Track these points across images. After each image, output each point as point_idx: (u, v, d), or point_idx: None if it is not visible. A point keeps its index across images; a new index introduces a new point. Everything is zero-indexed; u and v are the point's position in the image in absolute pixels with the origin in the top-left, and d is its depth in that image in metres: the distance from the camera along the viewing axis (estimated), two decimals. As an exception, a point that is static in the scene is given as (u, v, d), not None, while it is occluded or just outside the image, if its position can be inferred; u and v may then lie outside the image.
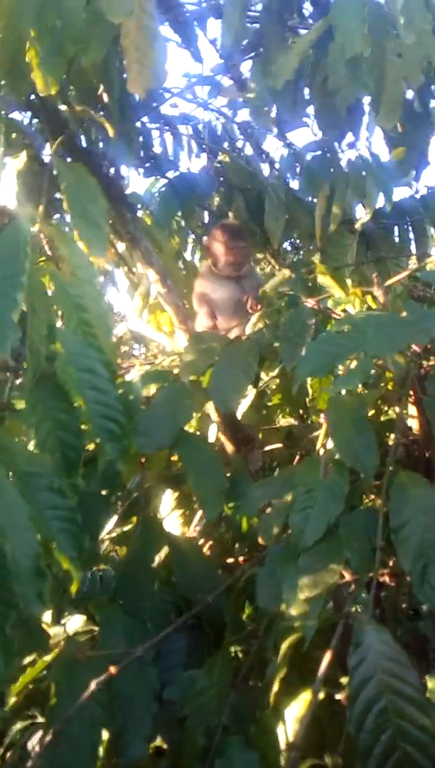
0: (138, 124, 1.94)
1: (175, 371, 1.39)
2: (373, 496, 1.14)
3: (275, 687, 0.86)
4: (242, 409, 1.44)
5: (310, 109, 1.68)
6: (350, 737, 0.77)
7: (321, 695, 0.82)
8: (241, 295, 1.69)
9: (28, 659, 1.22)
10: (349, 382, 1.01)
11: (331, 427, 1.11)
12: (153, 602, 1.10)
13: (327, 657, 0.83)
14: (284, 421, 1.85)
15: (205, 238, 2.27)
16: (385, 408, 1.50)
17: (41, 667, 1.16)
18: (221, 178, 2.15)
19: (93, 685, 0.85)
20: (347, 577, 0.97)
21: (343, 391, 1.13)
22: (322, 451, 1.14)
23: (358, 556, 0.92)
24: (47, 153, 1.72)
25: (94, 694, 0.88)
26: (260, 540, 1.10)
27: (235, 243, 1.71)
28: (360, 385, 1.21)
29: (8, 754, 1.20)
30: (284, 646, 0.90)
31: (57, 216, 1.64)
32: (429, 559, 0.90)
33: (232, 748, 0.84)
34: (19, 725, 1.21)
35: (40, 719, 1.15)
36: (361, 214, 1.98)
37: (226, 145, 2.32)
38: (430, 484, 1.07)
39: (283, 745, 0.84)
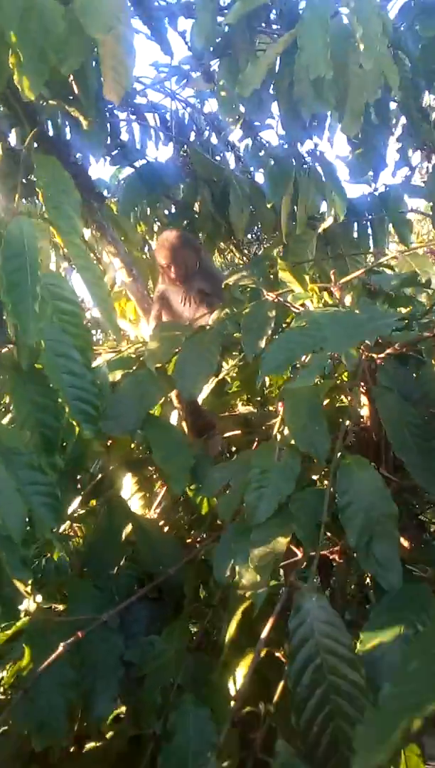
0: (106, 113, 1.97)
1: (141, 359, 1.45)
2: (323, 480, 1.23)
3: (226, 649, 0.94)
4: (203, 395, 1.50)
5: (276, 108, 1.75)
6: (286, 690, 0.86)
7: (266, 654, 0.90)
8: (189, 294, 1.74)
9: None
10: (307, 378, 1.08)
11: (287, 415, 1.18)
12: (118, 575, 1.17)
13: (271, 620, 0.91)
14: (244, 408, 1.92)
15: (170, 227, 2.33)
16: (339, 397, 1.59)
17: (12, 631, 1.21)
18: (187, 169, 2.20)
19: (61, 647, 0.91)
20: (299, 554, 1.05)
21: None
22: (278, 437, 1.21)
23: (304, 530, 1.00)
24: (13, 138, 1.76)
25: (66, 657, 0.95)
26: (219, 519, 1.17)
27: (174, 258, 1.75)
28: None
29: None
30: (236, 612, 0.98)
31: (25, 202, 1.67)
32: (373, 533, 0.98)
33: (186, 705, 0.92)
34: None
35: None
36: (324, 210, 2.06)
37: (193, 135, 2.36)
38: (376, 467, 1.16)
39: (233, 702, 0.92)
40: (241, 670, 0.94)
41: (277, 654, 0.97)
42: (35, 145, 1.60)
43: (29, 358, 0.96)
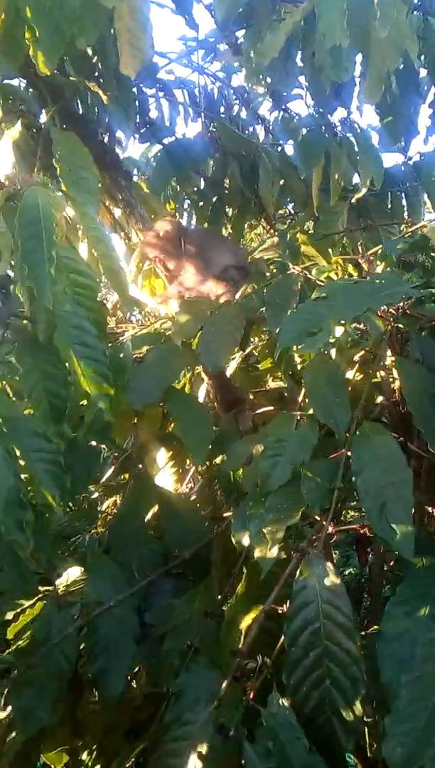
0: (134, 90, 1.97)
1: (167, 334, 1.46)
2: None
3: (233, 608, 0.96)
4: (230, 370, 1.51)
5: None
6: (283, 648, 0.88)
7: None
8: None
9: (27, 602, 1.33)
10: (312, 345, 1.08)
11: (308, 386, 1.18)
12: (141, 552, 1.19)
13: (280, 581, 0.93)
14: (274, 384, 1.92)
15: (201, 204, 2.32)
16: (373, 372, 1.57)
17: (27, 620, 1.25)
18: (216, 144, 2.18)
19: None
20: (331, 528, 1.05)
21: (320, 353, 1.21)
22: (299, 408, 1.21)
23: (313, 493, 1.01)
24: (44, 119, 1.78)
25: (70, 642, 1.00)
26: (245, 488, 1.18)
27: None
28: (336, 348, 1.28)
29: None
30: (244, 574, 0.99)
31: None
32: (387, 498, 0.98)
33: (197, 666, 0.95)
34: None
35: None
36: (356, 182, 2.02)
37: (221, 109, 2.34)
38: (405, 441, 1.15)
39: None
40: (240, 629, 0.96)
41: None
42: (63, 125, 1.61)
43: (46, 323, 0.99)
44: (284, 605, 0.92)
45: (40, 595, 1.26)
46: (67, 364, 1.02)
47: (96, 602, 1.04)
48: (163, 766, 0.82)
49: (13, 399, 1.03)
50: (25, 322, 1.04)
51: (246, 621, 0.99)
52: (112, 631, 1.06)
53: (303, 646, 0.87)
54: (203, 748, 0.81)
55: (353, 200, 1.91)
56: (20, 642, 1.16)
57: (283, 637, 0.89)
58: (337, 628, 0.88)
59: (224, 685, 0.89)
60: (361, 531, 1.43)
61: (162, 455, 1.56)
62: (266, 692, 0.87)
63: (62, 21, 1.04)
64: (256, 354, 1.80)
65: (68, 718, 1.11)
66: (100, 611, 1.00)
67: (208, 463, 1.50)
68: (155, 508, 1.36)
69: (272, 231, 2.32)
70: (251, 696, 0.88)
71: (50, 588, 1.23)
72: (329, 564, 0.93)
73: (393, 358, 1.32)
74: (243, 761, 0.81)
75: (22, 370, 0.99)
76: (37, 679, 1.01)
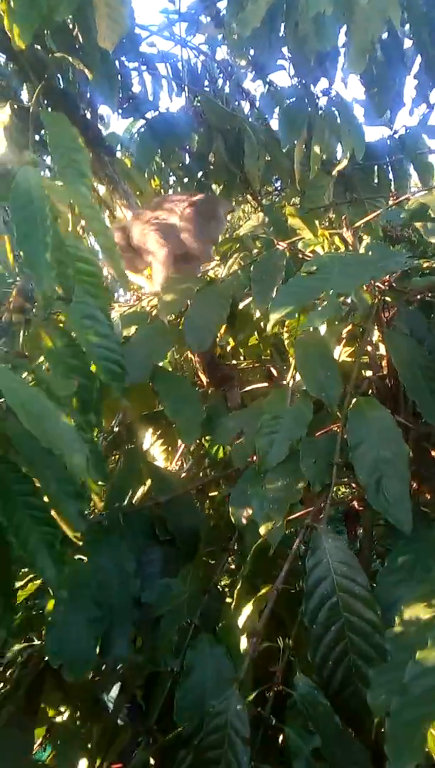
0: (116, 63, 1.94)
1: (154, 312, 1.45)
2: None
3: (239, 585, 0.97)
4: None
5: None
6: (303, 627, 0.88)
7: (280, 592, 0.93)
8: None
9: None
10: (317, 320, 1.08)
11: (299, 361, 1.18)
12: (134, 521, 1.20)
13: (289, 559, 0.94)
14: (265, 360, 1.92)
15: (186, 180, 2.30)
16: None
17: (32, 589, 1.26)
18: (200, 118, 2.15)
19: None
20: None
21: (311, 328, 1.21)
22: (291, 384, 1.22)
23: (313, 470, 1.01)
24: (25, 96, 1.74)
25: (91, 596, 1.02)
26: (235, 464, 1.19)
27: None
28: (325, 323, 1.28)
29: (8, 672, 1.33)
30: (251, 552, 1.00)
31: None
32: (383, 472, 0.99)
33: (202, 644, 0.97)
34: (17, 647, 1.32)
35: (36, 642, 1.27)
36: (341, 155, 2.01)
37: (205, 83, 2.31)
38: (393, 413, 1.16)
39: (244, 637, 0.96)
40: (252, 608, 0.97)
41: (291, 592, 0.99)
42: (45, 101, 1.59)
43: (45, 309, 0.97)
44: (295, 584, 0.93)
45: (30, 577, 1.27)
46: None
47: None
48: (208, 758, 0.82)
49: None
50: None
51: (255, 602, 1.00)
52: (116, 593, 1.07)
53: (323, 621, 0.88)
54: (241, 730, 0.82)
55: (334, 172, 1.90)
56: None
57: (298, 616, 0.91)
58: (354, 600, 0.89)
59: (244, 666, 0.90)
60: (351, 505, 1.46)
61: (149, 434, 1.57)
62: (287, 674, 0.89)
63: (38, -7, 1.01)
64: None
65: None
66: (104, 572, 1.01)
67: (197, 440, 1.51)
68: (147, 485, 1.37)
69: (259, 207, 2.30)
70: (279, 679, 0.90)
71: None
72: (338, 537, 0.94)
73: (380, 333, 1.32)
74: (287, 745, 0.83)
75: (51, 364, 0.98)
76: (73, 628, 1.02)
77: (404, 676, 0.65)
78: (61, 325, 1.03)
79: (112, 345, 1.03)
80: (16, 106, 1.27)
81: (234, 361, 1.74)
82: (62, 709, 1.18)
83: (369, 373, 1.36)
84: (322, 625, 0.88)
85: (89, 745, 1.12)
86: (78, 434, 0.89)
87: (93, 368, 1.03)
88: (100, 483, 0.95)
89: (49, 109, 1.52)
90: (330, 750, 0.82)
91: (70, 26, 1.44)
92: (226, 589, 1.13)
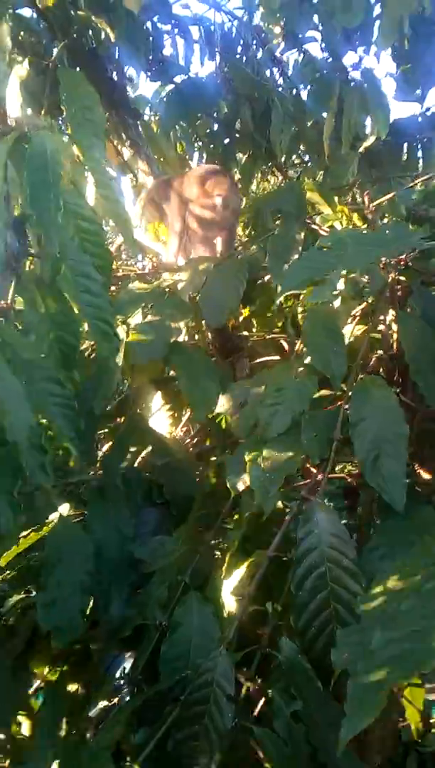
0: (147, 25, 1.92)
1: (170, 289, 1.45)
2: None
3: (232, 549, 1.00)
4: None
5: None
6: (291, 594, 0.91)
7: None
8: None
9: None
10: (322, 294, 1.09)
11: (306, 335, 1.19)
12: (132, 483, 1.23)
13: (283, 526, 0.97)
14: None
15: (211, 147, 2.28)
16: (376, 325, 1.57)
17: (34, 539, 1.30)
18: (229, 85, 2.12)
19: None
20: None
21: (320, 304, 1.21)
22: (297, 357, 1.23)
23: (313, 443, 1.03)
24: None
25: (83, 563, 1.05)
26: (235, 431, 1.21)
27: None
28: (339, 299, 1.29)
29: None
30: (245, 517, 1.03)
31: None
32: (381, 450, 1.01)
33: (190, 601, 1.00)
34: (15, 597, 1.37)
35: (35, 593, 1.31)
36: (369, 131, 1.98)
37: (238, 50, 2.27)
38: (399, 394, 1.17)
39: (232, 600, 0.99)
40: (243, 570, 1.00)
41: (283, 559, 1.02)
42: (72, 60, 1.58)
43: (53, 270, 0.99)
44: (287, 552, 0.95)
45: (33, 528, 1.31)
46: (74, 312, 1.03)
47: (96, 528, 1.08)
48: (193, 713, 0.85)
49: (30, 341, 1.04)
50: (35, 267, 1.05)
51: (246, 564, 1.02)
52: (114, 556, 1.11)
53: (309, 589, 0.91)
54: (226, 688, 0.85)
55: (361, 149, 1.87)
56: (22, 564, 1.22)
57: (287, 583, 0.94)
58: (342, 572, 0.91)
59: (233, 627, 0.93)
60: (349, 480, 1.47)
61: (158, 399, 1.59)
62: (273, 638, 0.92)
63: None
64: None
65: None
66: (103, 534, 1.05)
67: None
68: (147, 450, 1.39)
69: (283, 179, 2.28)
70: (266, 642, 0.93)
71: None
72: (332, 510, 0.96)
73: (393, 312, 1.32)
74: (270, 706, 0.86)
75: (35, 318, 1.00)
76: (62, 594, 1.06)
77: (371, 642, 0.67)
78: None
79: (103, 304, 1.04)
80: (39, 65, 1.27)
81: (245, 332, 1.75)
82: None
83: (380, 353, 1.37)
84: (309, 592, 0.91)
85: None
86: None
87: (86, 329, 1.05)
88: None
89: (78, 69, 1.53)
90: (309, 712, 0.85)
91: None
92: (218, 553, 1.15)
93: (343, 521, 1.03)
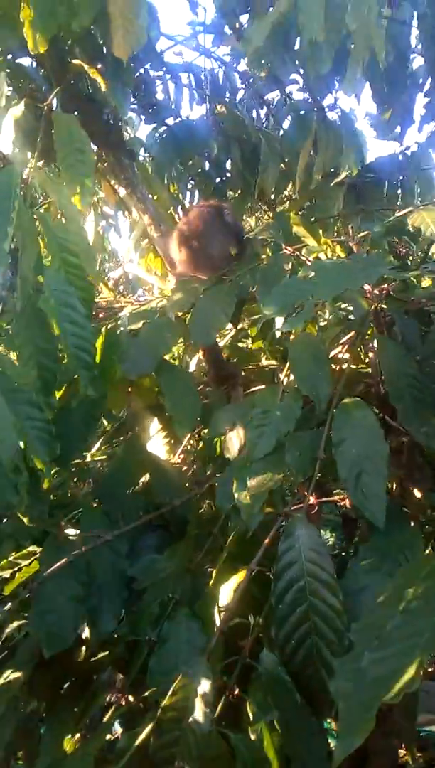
0: (141, 71, 2.02)
1: (161, 309, 1.52)
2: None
3: (219, 565, 1.04)
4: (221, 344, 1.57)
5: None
6: (272, 607, 0.94)
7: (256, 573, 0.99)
8: None
9: (25, 562, 1.41)
10: (294, 323, 1.14)
11: (292, 360, 1.24)
12: (126, 506, 1.27)
13: (266, 542, 1.00)
14: (266, 362, 1.98)
15: (203, 186, 2.37)
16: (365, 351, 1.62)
17: (36, 568, 1.33)
18: (219, 127, 2.22)
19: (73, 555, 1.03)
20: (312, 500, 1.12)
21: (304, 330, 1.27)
22: (284, 381, 1.28)
23: (297, 462, 1.07)
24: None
25: (77, 575, 1.07)
26: (226, 453, 1.25)
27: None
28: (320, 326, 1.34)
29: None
30: (232, 534, 1.07)
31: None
32: (362, 468, 1.05)
33: (179, 616, 1.03)
34: (15, 624, 1.39)
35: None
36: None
37: (227, 94, 2.38)
38: (383, 417, 1.21)
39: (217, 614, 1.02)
40: (231, 585, 1.03)
41: (267, 574, 1.05)
42: (68, 104, 1.66)
43: (24, 298, 1.05)
44: (271, 567, 0.99)
45: (36, 556, 1.34)
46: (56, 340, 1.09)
47: (91, 543, 1.12)
48: (172, 719, 0.86)
49: (20, 366, 1.10)
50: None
51: (234, 579, 1.06)
52: (106, 572, 1.15)
53: (289, 603, 0.94)
54: (206, 695, 0.87)
55: (333, 183, 1.95)
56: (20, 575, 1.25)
57: (270, 597, 0.96)
58: (320, 585, 0.94)
59: (214, 639, 0.96)
60: (341, 502, 1.51)
61: (155, 425, 1.64)
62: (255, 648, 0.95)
63: (56, 3, 1.09)
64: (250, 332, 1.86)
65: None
66: (95, 551, 1.08)
67: (198, 435, 1.57)
68: (145, 477, 1.44)
69: (272, 215, 2.36)
70: (246, 653, 0.95)
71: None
72: (312, 526, 0.99)
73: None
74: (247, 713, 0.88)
75: (19, 343, 1.06)
76: (56, 604, 1.10)
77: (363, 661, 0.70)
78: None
79: (86, 335, 1.11)
80: (35, 108, 1.34)
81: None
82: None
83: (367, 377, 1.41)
84: (289, 605, 0.94)
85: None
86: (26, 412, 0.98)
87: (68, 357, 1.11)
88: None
89: (75, 112, 1.61)
90: (285, 722, 0.87)
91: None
92: (206, 571, 1.18)
93: (342, 547, 1.06)
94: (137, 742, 0.84)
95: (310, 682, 0.92)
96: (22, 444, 1.04)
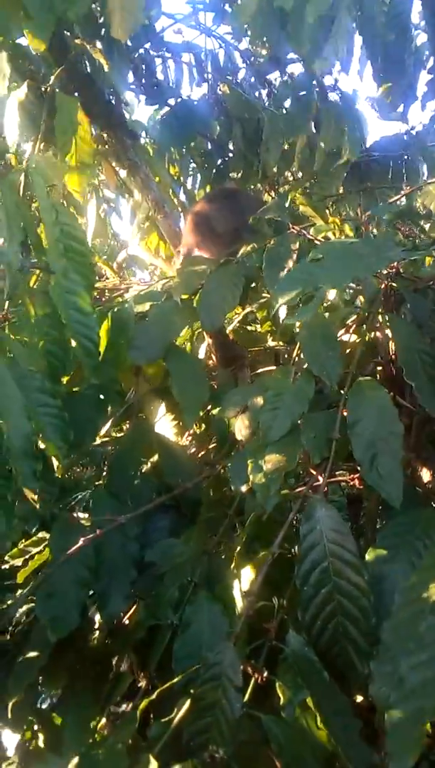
0: (140, 51, 1.99)
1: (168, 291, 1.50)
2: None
3: (238, 549, 1.03)
4: (229, 328, 1.56)
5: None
6: (296, 589, 0.95)
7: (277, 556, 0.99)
8: None
9: (36, 549, 1.41)
10: (306, 314, 1.13)
11: (303, 340, 1.23)
12: (136, 488, 1.27)
13: (286, 525, 1.00)
14: (272, 343, 1.97)
15: (205, 167, 2.34)
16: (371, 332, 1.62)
17: (47, 555, 1.33)
18: (221, 107, 2.19)
19: (82, 541, 1.02)
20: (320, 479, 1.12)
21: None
22: (294, 363, 1.27)
23: (313, 443, 1.07)
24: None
25: (83, 560, 1.08)
26: (237, 435, 1.25)
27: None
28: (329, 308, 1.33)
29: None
30: (250, 517, 1.06)
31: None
32: (378, 449, 1.04)
33: (200, 599, 1.03)
34: (25, 608, 1.39)
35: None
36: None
37: (229, 72, 2.34)
38: (395, 396, 1.21)
39: (240, 598, 1.02)
40: (251, 570, 1.03)
41: (287, 556, 1.05)
42: (70, 85, 1.63)
43: (13, 282, 1.04)
44: (291, 549, 0.98)
45: (46, 543, 1.34)
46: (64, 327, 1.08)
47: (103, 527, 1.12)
48: (203, 705, 0.87)
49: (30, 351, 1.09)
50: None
51: (253, 565, 1.06)
52: (115, 555, 1.15)
53: (314, 584, 0.94)
54: (235, 680, 0.88)
55: (337, 165, 1.93)
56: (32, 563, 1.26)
57: (292, 579, 0.96)
58: (344, 565, 0.95)
59: (240, 623, 0.96)
60: (352, 482, 1.51)
61: (163, 408, 1.63)
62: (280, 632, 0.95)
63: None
64: (258, 316, 1.85)
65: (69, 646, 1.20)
66: (105, 534, 1.08)
67: (205, 415, 1.57)
68: (154, 458, 1.43)
69: (273, 194, 2.34)
70: (272, 635, 0.95)
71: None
72: (332, 506, 0.99)
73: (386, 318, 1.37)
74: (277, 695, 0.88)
75: (27, 331, 1.05)
76: (61, 587, 1.10)
77: (401, 667, 0.69)
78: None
79: (89, 322, 1.10)
80: (36, 89, 1.32)
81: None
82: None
83: (380, 358, 1.40)
84: (313, 587, 0.94)
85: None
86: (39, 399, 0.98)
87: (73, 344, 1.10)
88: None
89: (75, 93, 1.59)
90: (317, 700, 0.87)
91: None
92: (223, 553, 1.18)
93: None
94: (170, 730, 0.84)
95: (338, 661, 0.92)
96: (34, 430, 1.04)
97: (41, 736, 1.25)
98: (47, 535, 1.35)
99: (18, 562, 1.43)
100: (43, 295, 1.11)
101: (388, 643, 0.77)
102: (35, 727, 1.27)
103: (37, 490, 1.04)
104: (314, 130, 1.95)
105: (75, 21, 1.17)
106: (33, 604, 1.29)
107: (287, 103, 2.08)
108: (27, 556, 1.41)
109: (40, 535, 1.44)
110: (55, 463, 1.18)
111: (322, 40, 1.35)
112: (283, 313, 1.34)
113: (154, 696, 0.92)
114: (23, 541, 1.47)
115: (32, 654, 1.15)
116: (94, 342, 1.13)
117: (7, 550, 1.37)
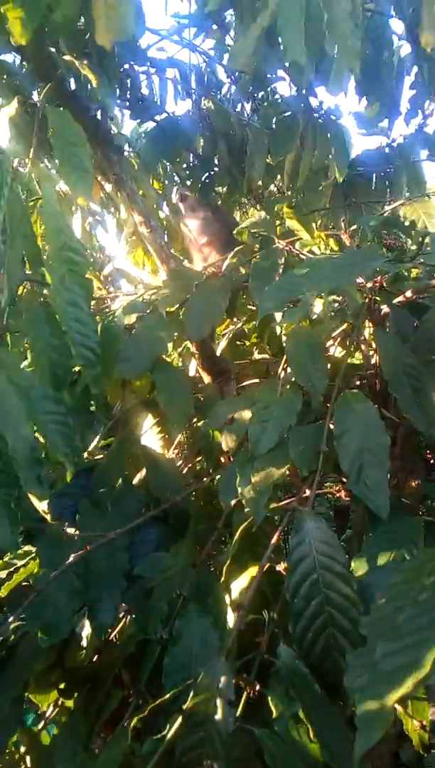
0: (125, 66, 2.00)
1: (153, 304, 1.51)
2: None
3: (228, 562, 1.04)
4: (221, 346, 1.57)
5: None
6: (286, 602, 0.95)
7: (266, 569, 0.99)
8: None
9: (21, 562, 1.40)
10: (290, 317, 1.14)
11: (289, 353, 1.25)
12: (123, 500, 1.27)
13: (274, 537, 1.00)
14: (259, 356, 1.98)
15: (189, 182, 2.36)
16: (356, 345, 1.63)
17: (33, 567, 1.32)
18: (205, 122, 2.21)
19: (72, 557, 1.02)
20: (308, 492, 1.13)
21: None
22: (282, 375, 1.28)
23: (301, 456, 1.08)
24: (36, 96, 1.80)
25: (73, 569, 1.08)
26: (224, 447, 1.25)
27: None
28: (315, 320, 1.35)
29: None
30: (238, 530, 1.07)
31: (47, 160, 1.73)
32: (364, 461, 1.05)
33: (190, 613, 1.03)
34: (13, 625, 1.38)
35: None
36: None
37: (213, 87, 2.36)
38: (380, 408, 1.22)
39: (231, 611, 1.02)
40: (241, 582, 1.03)
41: (275, 568, 1.06)
42: (56, 101, 1.64)
43: (9, 293, 1.04)
44: (281, 562, 0.99)
45: (31, 556, 1.33)
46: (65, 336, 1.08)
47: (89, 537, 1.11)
48: (196, 721, 0.87)
49: (26, 369, 1.09)
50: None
51: (245, 575, 1.06)
52: (104, 564, 1.15)
53: (304, 596, 0.94)
54: (227, 694, 0.87)
55: (323, 185, 1.96)
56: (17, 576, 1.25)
57: (282, 592, 0.97)
58: (334, 577, 0.95)
59: (232, 637, 0.96)
60: (338, 494, 1.52)
61: (149, 421, 1.63)
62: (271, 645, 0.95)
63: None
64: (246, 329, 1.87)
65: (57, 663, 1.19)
66: (94, 545, 1.08)
67: (192, 428, 1.57)
68: (142, 473, 1.43)
69: (258, 208, 2.36)
70: (263, 649, 0.96)
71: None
72: (319, 517, 1.00)
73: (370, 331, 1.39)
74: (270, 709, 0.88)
75: (30, 339, 1.05)
76: (53, 597, 1.10)
77: (375, 655, 0.70)
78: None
79: (90, 333, 1.10)
80: (26, 102, 1.32)
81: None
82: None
83: (366, 371, 1.42)
84: (303, 599, 0.94)
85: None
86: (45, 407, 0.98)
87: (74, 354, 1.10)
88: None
89: (62, 108, 1.59)
90: (308, 713, 0.87)
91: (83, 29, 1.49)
92: (212, 566, 1.18)
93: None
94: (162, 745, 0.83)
95: (329, 674, 0.93)
96: (41, 438, 1.04)
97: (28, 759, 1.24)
98: (33, 549, 1.34)
99: (2, 574, 1.42)
100: (43, 305, 1.12)
101: (367, 637, 0.78)
102: (22, 749, 1.26)
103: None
104: (300, 146, 1.97)
105: (62, 27, 1.16)
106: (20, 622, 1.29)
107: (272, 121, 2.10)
108: (12, 569, 1.40)
109: (27, 548, 1.43)
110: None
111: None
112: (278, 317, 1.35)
113: (145, 713, 0.91)
114: (8, 554, 1.46)
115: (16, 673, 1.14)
116: (94, 352, 1.14)
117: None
